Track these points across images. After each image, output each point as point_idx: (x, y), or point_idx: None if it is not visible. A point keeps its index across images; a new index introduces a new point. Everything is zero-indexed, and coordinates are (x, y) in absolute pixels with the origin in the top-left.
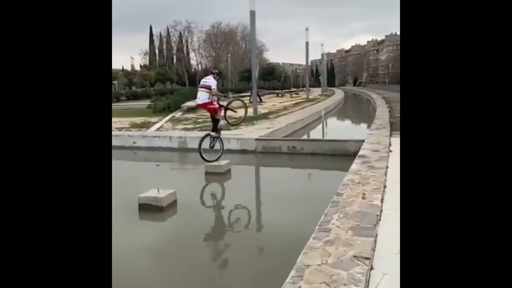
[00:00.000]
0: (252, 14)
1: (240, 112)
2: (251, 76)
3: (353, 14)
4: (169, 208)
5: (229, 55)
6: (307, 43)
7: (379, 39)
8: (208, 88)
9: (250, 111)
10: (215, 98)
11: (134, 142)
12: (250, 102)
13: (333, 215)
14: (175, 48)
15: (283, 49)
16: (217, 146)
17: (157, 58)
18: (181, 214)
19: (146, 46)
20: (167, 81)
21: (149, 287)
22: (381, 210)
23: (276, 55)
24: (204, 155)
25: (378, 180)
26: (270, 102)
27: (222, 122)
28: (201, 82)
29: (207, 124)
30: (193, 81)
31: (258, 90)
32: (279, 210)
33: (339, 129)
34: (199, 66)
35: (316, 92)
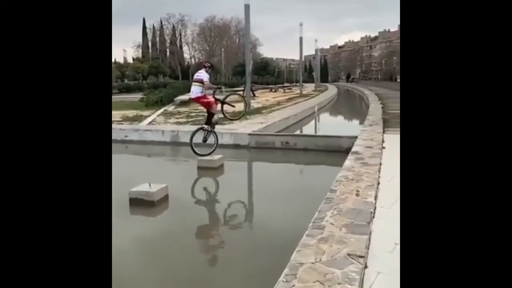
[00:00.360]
0: (247, 8)
1: (239, 107)
2: (244, 70)
3: (347, 10)
4: (161, 203)
5: (222, 49)
6: (301, 39)
7: (372, 35)
8: (201, 82)
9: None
10: (209, 91)
11: (126, 136)
12: (244, 96)
13: (326, 212)
14: (168, 41)
15: (277, 44)
16: (211, 140)
17: (150, 51)
18: (172, 209)
19: (139, 38)
20: (160, 74)
21: (138, 284)
22: (375, 207)
23: (270, 50)
24: (196, 149)
25: (371, 177)
26: (264, 97)
27: (216, 117)
28: (194, 76)
29: (200, 118)
30: (186, 74)
31: (251, 84)
32: (272, 206)
33: (332, 125)
34: (193, 59)
35: (309, 87)
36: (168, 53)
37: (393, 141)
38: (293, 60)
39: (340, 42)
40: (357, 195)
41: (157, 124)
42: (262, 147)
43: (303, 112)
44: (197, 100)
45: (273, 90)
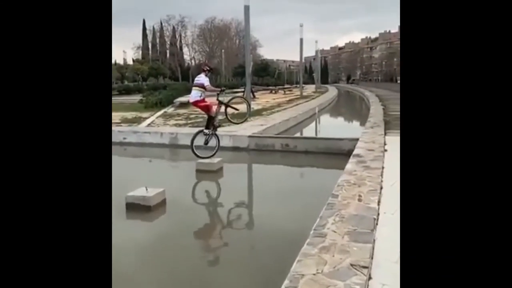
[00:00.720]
0: (247, 9)
1: (241, 110)
2: (244, 72)
3: (347, 11)
4: (158, 207)
5: (222, 50)
6: (301, 40)
7: (372, 37)
8: (201, 86)
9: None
10: (210, 94)
11: (125, 138)
12: (247, 100)
13: (328, 219)
14: (169, 42)
15: (277, 46)
16: (212, 142)
17: (150, 52)
18: (169, 215)
19: (139, 40)
20: (160, 76)
21: None
22: (378, 214)
23: (270, 52)
24: (196, 152)
25: (374, 181)
26: (264, 98)
27: (217, 120)
28: (194, 81)
29: (199, 120)
30: (186, 76)
31: (251, 86)
32: (272, 211)
33: (333, 127)
34: (193, 61)
35: (309, 89)
36: (168, 55)
37: (395, 143)
38: (293, 61)
39: (341, 43)
40: (359, 200)
41: (156, 126)
42: (262, 150)
43: (304, 114)
44: (195, 104)
45: (273, 91)
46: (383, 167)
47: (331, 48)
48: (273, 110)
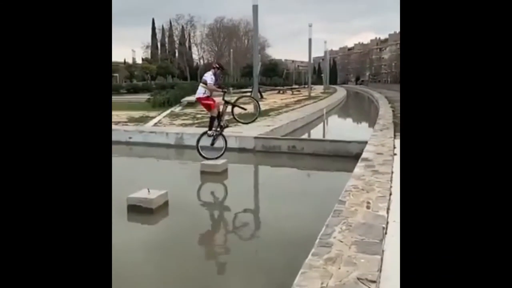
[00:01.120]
0: (255, 8)
1: (250, 109)
2: (252, 72)
3: (357, 12)
4: (160, 210)
5: (231, 50)
6: (310, 40)
7: (382, 37)
8: (205, 83)
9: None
10: (215, 93)
11: (130, 137)
12: (256, 99)
13: (335, 227)
14: (177, 42)
15: (286, 46)
16: (219, 143)
17: (159, 51)
18: (171, 217)
19: (148, 39)
20: (169, 75)
21: None
22: (387, 222)
23: (278, 52)
24: (202, 153)
25: (383, 187)
26: (271, 98)
27: (224, 119)
28: (202, 77)
29: (206, 119)
30: (195, 75)
31: (259, 86)
32: (277, 215)
33: (341, 128)
34: (201, 60)
35: (318, 89)
36: (177, 54)
37: None
38: (302, 62)
39: (350, 44)
40: (367, 207)
41: (162, 125)
42: (268, 151)
43: (311, 115)
44: (199, 100)
45: (281, 92)
46: (392, 172)
47: (340, 48)
48: (280, 111)
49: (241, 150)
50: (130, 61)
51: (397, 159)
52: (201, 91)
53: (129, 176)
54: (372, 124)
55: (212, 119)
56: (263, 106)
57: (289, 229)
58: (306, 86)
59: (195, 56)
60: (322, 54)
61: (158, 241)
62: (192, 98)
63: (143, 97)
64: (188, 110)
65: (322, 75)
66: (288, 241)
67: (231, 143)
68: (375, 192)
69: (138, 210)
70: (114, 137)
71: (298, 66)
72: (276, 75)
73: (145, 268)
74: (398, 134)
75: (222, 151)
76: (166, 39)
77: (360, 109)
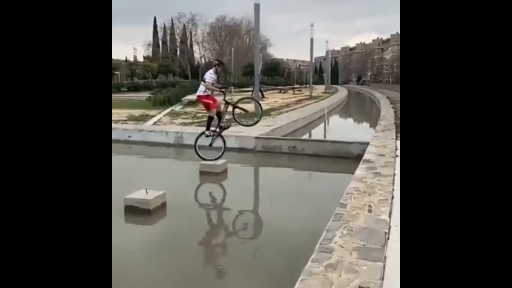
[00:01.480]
0: (257, 7)
1: (252, 110)
2: (254, 71)
3: (359, 12)
4: (157, 211)
5: (232, 49)
6: (311, 40)
7: (384, 37)
8: (204, 81)
9: (251, 107)
10: (215, 92)
11: (129, 136)
12: (259, 102)
13: (335, 231)
14: (179, 40)
15: (288, 45)
16: (218, 144)
17: (161, 50)
18: (169, 219)
19: (149, 37)
20: (170, 74)
21: None
22: (389, 226)
23: (280, 51)
24: (200, 153)
25: (385, 190)
26: (272, 98)
27: (224, 120)
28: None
29: (206, 119)
30: (196, 74)
31: (260, 85)
32: (277, 217)
33: (342, 129)
34: (203, 59)
35: (319, 89)
36: (178, 52)
37: None
38: (303, 61)
39: (352, 44)
40: (369, 211)
41: (162, 124)
42: (268, 152)
43: (312, 115)
44: (199, 99)
45: (282, 91)
46: (394, 174)
47: (341, 48)
48: (281, 111)
49: (241, 150)
50: (131, 59)
51: (399, 161)
52: (202, 90)
53: (127, 176)
54: (373, 125)
55: (209, 119)
56: (264, 105)
57: (288, 231)
58: (308, 85)
59: (196, 54)
60: (323, 54)
61: (155, 242)
62: (193, 97)
63: (144, 95)
64: (189, 109)
65: (324, 74)
66: (288, 243)
67: (231, 143)
68: (377, 195)
69: (135, 211)
70: (113, 135)
71: (299, 65)
72: (278, 74)
73: (142, 269)
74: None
75: (221, 152)
76: (168, 38)
77: (361, 109)
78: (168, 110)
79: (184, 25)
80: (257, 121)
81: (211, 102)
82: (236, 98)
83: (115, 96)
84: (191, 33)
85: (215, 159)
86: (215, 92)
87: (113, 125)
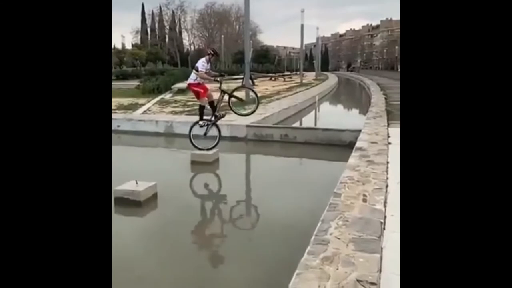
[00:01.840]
0: None
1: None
2: (244, 58)
3: None
4: (148, 202)
5: (222, 36)
6: (302, 26)
7: (374, 24)
8: (196, 69)
9: (242, 95)
10: (206, 81)
11: (118, 126)
12: (256, 92)
13: (331, 222)
14: (168, 27)
15: (278, 32)
16: (213, 133)
17: (149, 37)
18: (160, 210)
19: (137, 24)
20: (159, 61)
21: None
22: (385, 216)
23: (270, 38)
24: (195, 142)
25: (379, 178)
26: (263, 85)
27: (219, 109)
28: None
29: (196, 107)
30: (185, 61)
31: (251, 73)
32: (271, 207)
33: (333, 116)
34: (192, 46)
35: (309, 76)
36: (167, 40)
37: (399, 136)
38: (293, 48)
39: (342, 31)
40: (364, 200)
41: (151, 113)
42: (260, 140)
43: (304, 102)
44: (189, 87)
45: (273, 78)
46: (387, 162)
47: (332, 35)
48: (272, 98)
49: (233, 138)
50: (119, 46)
51: (392, 149)
52: (192, 77)
53: (117, 166)
54: (364, 111)
55: (201, 108)
56: None
57: (280, 220)
58: (298, 72)
59: (185, 42)
60: (314, 41)
61: (146, 236)
62: (182, 85)
63: (133, 83)
64: (179, 97)
65: (314, 61)
66: (281, 233)
67: (223, 132)
68: (371, 184)
69: (125, 203)
70: None
71: (289, 52)
72: (268, 61)
73: (132, 262)
74: (392, 122)
75: (216, 142)
76: (156, 25)
77: (352, 96)
78: (158, 98)
79: (172, 11)
80: (254, 111)
81: (201, 90)
82: (225, 86)
83: None
84: (180, 20)
85: (210, 149)
86: (207, 81)
87: None
